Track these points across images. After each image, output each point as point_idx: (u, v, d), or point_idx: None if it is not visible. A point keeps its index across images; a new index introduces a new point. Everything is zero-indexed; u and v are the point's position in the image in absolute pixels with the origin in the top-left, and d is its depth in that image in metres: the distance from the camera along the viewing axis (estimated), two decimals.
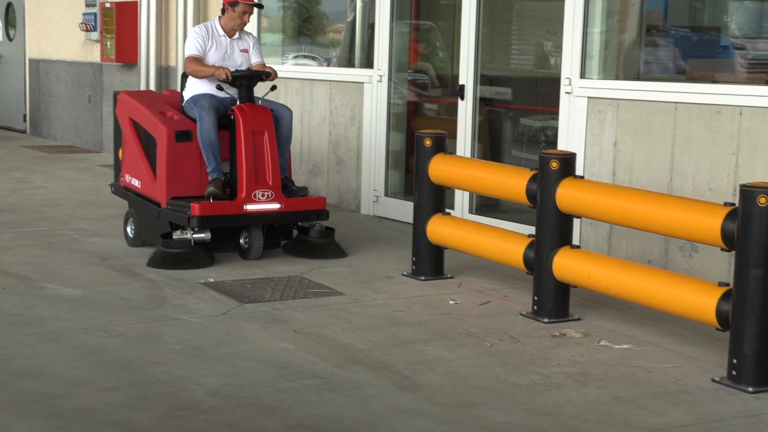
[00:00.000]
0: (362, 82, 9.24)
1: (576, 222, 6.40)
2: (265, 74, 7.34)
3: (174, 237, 6.91)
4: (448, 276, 6.82)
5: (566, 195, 5.67)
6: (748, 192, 4.70)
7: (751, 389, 4.72)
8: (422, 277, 6.80)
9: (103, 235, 7.98)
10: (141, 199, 7.46)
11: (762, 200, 4.66)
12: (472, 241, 6.43)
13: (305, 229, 7.36)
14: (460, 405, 4.46)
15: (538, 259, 5.85)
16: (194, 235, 6.91)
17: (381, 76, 9.11)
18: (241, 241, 7.17)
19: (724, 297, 4.86)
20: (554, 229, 5.76)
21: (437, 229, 6.65)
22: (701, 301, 4.95)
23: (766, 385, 4.77)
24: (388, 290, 6.46)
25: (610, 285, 5.47)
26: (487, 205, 8.31)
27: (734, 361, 4.78)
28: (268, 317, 5.83)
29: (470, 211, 8.23)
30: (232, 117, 7.17)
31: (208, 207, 6.93)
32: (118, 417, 4.23)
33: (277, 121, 7.36)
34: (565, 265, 5.73)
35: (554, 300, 5.83)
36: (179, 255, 6.87)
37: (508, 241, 6.20)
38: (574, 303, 6.05)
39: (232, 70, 7.30)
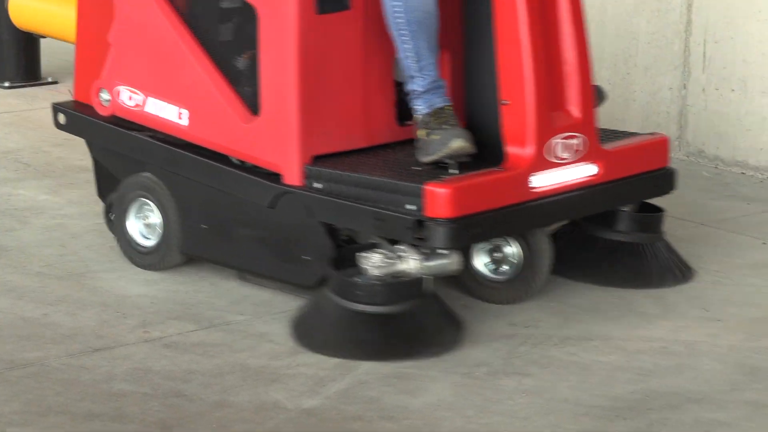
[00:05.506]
0: None
1: None
2: None
3: (373, 268, 3.46)
4: None
5: None
6: None
7: None
8: None
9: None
10: (188, 154, 3.80)
11: None
12: None
13: (609, 216, 4.02)
14: None
15: None
16: (429, 264, 3.59)
17: None
18: (484, 260, 3.83)
19: None
20: None
21: None
22: None
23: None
24: None
25: None
26: None
27: None
28: None
29: None
30: None
31: (471, 192, 3.49)
32: None
33: None
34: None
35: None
36: (393, 321, 3.45)
37: None
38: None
39: None
